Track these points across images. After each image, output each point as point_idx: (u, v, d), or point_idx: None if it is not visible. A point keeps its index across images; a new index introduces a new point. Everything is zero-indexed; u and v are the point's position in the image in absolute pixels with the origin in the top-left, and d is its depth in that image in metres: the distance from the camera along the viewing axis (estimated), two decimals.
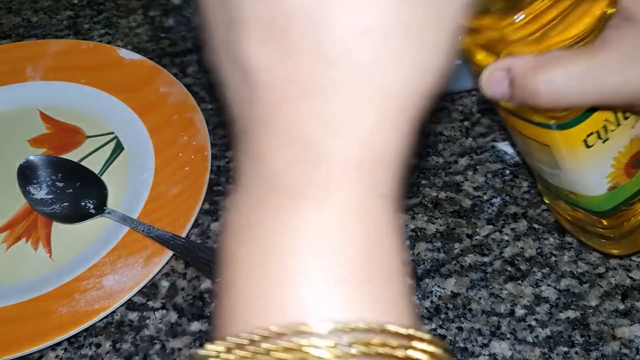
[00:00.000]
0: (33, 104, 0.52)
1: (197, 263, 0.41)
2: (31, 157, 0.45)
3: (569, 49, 0.27)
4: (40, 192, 0.44)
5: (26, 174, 0.45)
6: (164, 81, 0.52)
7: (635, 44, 0.26)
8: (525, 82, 0.27)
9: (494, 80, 0.28)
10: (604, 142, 0.31)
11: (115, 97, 0.51)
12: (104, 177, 0.47)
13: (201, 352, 0.18)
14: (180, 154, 0.47)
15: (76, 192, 0.45)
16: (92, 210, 0.44)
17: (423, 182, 0.47)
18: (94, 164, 0.48)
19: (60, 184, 0.45)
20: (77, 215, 0.44)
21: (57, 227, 0.44)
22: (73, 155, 0.48)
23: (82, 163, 0.48)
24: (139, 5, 0.63)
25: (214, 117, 0.52)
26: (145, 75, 0.52)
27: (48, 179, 0.45)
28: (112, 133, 0.50)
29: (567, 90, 0.26)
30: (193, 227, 0.44)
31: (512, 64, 0.27)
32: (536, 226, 0.44)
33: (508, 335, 0.39)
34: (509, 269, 0.42)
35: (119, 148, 0.49)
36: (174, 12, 0.62)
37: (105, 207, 0.44)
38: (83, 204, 0.44)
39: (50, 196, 0.44)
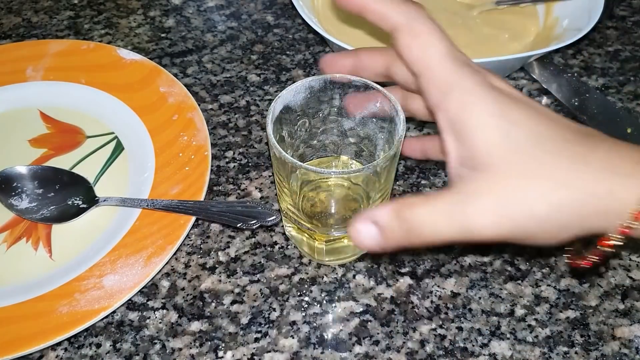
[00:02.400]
0: (33, 104, 0.52)
1: (210, 217, 0.43)
2: (3, 170, 0.45)
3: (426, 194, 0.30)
4: (23, 202, 0.44)
5: (3, 188, 0.45)
6: (164, 81, 0.52)
7: (471, 187, 0.28)
8: (393, 229, 0.29)
9: (363, 233, 0.30)
10: None
11: (116, 97, 0.51)
12: (104, 177, 0.47)
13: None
14: (180, 154, 0.47)
15: (58, 194, 0.45)
16: (84, 205, 0.44)
17: (423, 182, 0.47)
18: (94, 164, 0.48)
19: (39, 191, 0.45)
20: (69, 214, 0.44)
21: (57, 227, 0.44)
22: (73, 155, 0.48)
23: (83, 163, 0.48)
24: (139, 6, 0.63)
25: (214, 117, 0.52)
26: (145, 76, 0.52)
27: (25, 188, 0.45)
28: (113, 133, 0.50)
29: (434, 231, 0.28)
30: (193, 226, 0.44)
31: (376, 214, 0.30)
32: None
33: (508, 335, 0.39)
34: (509, 268, 0.42)
35: (119, 148, 0.49)
36: (174, 12, 0.62)
37: (97, 197, 0.45)
38: (70, 202, 0.44)
39: (34, 204, 0.44)
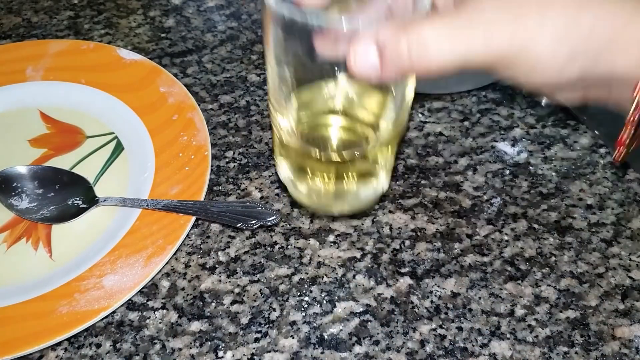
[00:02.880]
0: (33, 104, 0.52)
1: (210, 217, 0.42)
2: (3, 171, 0.45)
3: (429, 14, 0.27)
4: (23, 203, 0.44)
5: (2, 188, 0.45)
6: (164, 81, 0.52)
7: (494, 4, 0.26)
8: (397, 48, 0.26)
9: (361, 56, 0.27)
10: None
11: (116, 97, 0.51)
12: (104, 177, 0.47)
13: None
14: (180, 154, 0.47)
15: (58, 194, 0.45)
16: (84, 205, 0.44)
17: (423, 182, 0.47)
18: (94, 164, 0.48)
19: (39, 191, 0.45)
20: (68, 214, 0.44)
21: (57, 227, 0.44)
22: (73, 156, 0.48)
23: (83, 163, 0.48)
24: (139, 6, 0.63)
25: (214, 117, 0.52)
26: (145, 76, 0.52)
27: (25, 188, 0.45)
28: (113, 133, 0.50)
29: (439, 51, 0.26)
30: (193, 226, 0.44)
31: (379, 32, 0.27)
32: (536, 226, 0.44)
33: (508, 335, 0.39)
34: (509, 269, 0.42)
35: (119, 148, 0.49)
36: (174, 12, 0.62)
37: (97, 198, 0.45)
38: (70, 202, 0.44)
39: (34, 204, 0.44)
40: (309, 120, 0.36)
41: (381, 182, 0.38)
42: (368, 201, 0.39)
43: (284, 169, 0.38)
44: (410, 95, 0.33)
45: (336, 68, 0.32)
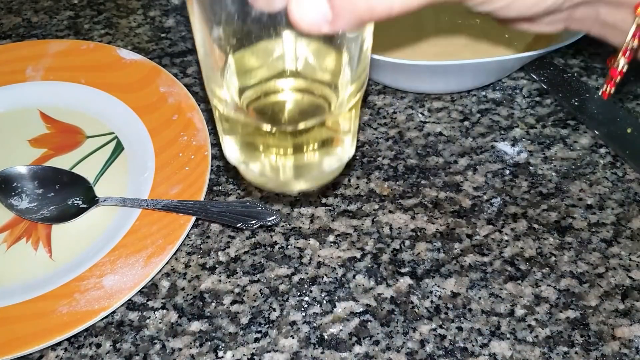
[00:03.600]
0: (33, 104, 0.52)
1: (210, 217, 0.42)
2: (3, 171, 0.45)
3: None
4: (23, 203, 0.44)
5: (2, 188, 0.45)
6: (164, 81, 0.52)
7: None
8: None
9: (306, 2, 0.22)
10: None
11: (116, 97, 0.51)
12: (103, 177, 0.47)
13: None
14: (180, 154, 0.47)
15: (58, 194, 0.45)
16: (84, 205, 0.44)
17: (423, 182, 0.47)
18: (94, 164, 0.48)
19: (39, 191, 0.45)
20: (68, 214, 0.44)
21: (57, 227, 0.44)
22: (73, 155, 0.48)
23: (83, 163, 0.48)
24: (139, 6, 0.63)
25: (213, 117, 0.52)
26: (145, 76, 0.52)
27: (25, 188, 0.45)
28: (112, 133, 0.50)
29: None
30: (193, 226, 0.44)
31: None
32: (536, 226, 0.44)
33: (508, 335, 0.39)
34: (509, 269, 0.42)
35: (119, 148, 0.49)
36: (174, 12, 0.62)
37: (97, 198, 0.45)
38: (70, 202, 0.44)
39: (34, 204, 0.44)
40: (254, 88, 0.30)
41: (346, 149, 0.33)
42: (332, 173, 0.33)
43: (231, 148, 0.32)
44: (368, 43, 0.28)
45: (278, 21, 0.26)
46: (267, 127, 0.28)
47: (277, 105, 0.30)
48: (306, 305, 0.40)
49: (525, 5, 0.24)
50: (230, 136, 0.30)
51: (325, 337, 0.39)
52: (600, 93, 0.28)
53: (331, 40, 0.26)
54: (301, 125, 0.28)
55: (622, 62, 0.26)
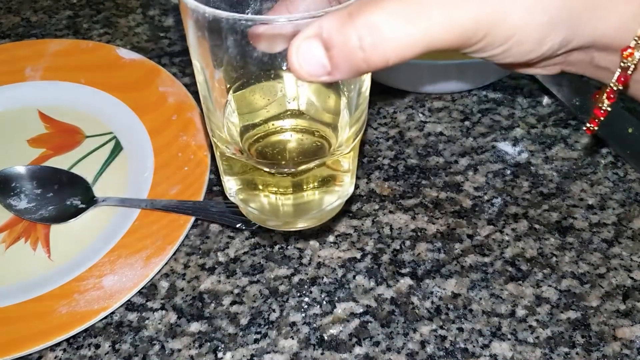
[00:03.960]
0: (32, 104, 0.52)
1: (209, 217, 0.42)
2: (2, 171, 0.45)
3: None
4: (22, 203, 0.44)
5: (1, 188, 0.45)
6: (163, 81, 0.52)
7: None
8: (346, 40, 0.23)
9: (304, 54, 0.23)
10: None
11: (115, 97, 0.51)
12: (102, 177, 0.47)
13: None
14: (180, 154, 0.47)
15: (57, 194, 0.45)
16: (83, 205, 0.44)
17: (423, 182, 0.47)
18: (93, 164, 0.48)
19: (38, 191, 0.45)
20: (67, 214, 0.44)
21: (56, 228, 0.44)
22: (72, 155, 0.48)
23: (81, 163, 0.48)
24: (138, 5, 0.62)
25: None
26: (144, 75, 0.52)
27: (24, 188, 0.45)
28: (112, 133, 0.50)
29: (394, 38, 0.23)
30: (193, 227, 0.44)
31: (321, 24, 0.23)
32: (537, 226, 0.44)
33: (509, 336, 0.39)
34: (510, 269, 0.42)
35: (118, 148, 0.49)
36: (174, 11, 0.62)
37: (95, 198, 0.44)
38: (69, 202, 0.44)
39: (32, 204, 0.44)
40: (255, 128, 0.30)
41: (346, 187, 0.33)
42: (333, 210, 0.34)
43: (231, 186, 0.33)
44: (366, 87, 0.29)
45: (279, 63, 0.27)
46: (267, 168, 0.28)
47: (277, 145, 0.30)
48: (306, 306, 0.40)
49: (520, 53, 0.25)
50: (230, 174, 0.31)
51: (325, 338, 0.39)
52: (584, 129, 0.29)
53: (330, 84, 0.27)
54: (302, 167, 0.28)
55: (605, 104, 0.27)
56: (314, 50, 0.23)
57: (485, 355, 0.38)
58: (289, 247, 0.43)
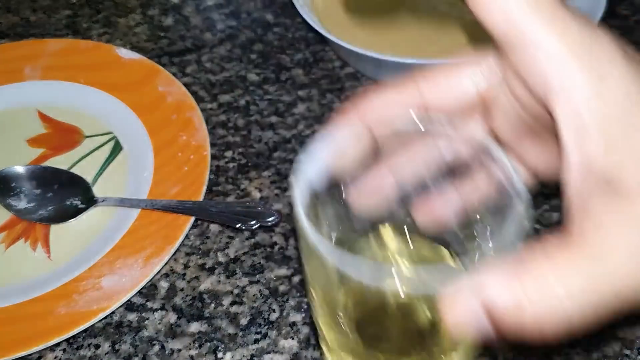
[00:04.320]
0: (31, 104, 0.52)
1: (209, 217, 0.42)
2: (1, 171, 0.45)
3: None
4: (21, 203, 0.44)
5: (0, 188, 0.44)
6: (163, 80, 0.52)
7: (630, 226, 0.18)
8: (516, 300, 0.19)
9: (462, 314, 0.19)
10: None
11: (114, 97, 0.51)
12: (102, 177, 0.47)
13: None
14: (180, 154, 0.47)
15: (57, 194, 0.45)
16: (82, 205, 0.44)
17: None
18: (92, 164, 0.48)
19: (37, 191, 0.45)
20: (67, 214, 0.44)
21: (56, 228, 0.44)
22: (71, 155, 0.48)
23: (81, 163, 0.48)
24: (138, 5, 0.62)
25: (213, 116, 0.52)
26: (144, 75, 0.52)
27: (24, 188, 0.45)
28: (111, 133, 0.50)
29: (571, 302, 0.19)
30: (192, 227, 0.44)
31: (482, 281, 0.19)
32: (537, 226, 0.44)
33: None
34: None
35: (117, 148, 0.49)
36: (173, 11, 0.62)
37: (95, 198, 0.44)
38: (69, 202, 0.44)
39: (32, 204, 0.44)
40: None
41: None
42: None
43: None
44: None
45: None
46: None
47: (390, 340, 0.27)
48: (306, 306, 0.40)
49: None
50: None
51: None
52: None
53: None
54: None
55: None
56: (474, 310, 0.19)
57: (484, 356, 0.38)
58: (289, 247, 0.43)
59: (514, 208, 0.22)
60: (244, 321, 0.39)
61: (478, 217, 0.25)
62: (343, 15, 0.56)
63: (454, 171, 0.25)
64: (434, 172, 0.25)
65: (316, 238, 0.20)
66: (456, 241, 0.26)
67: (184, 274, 0.42)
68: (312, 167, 0.23)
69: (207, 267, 0.42)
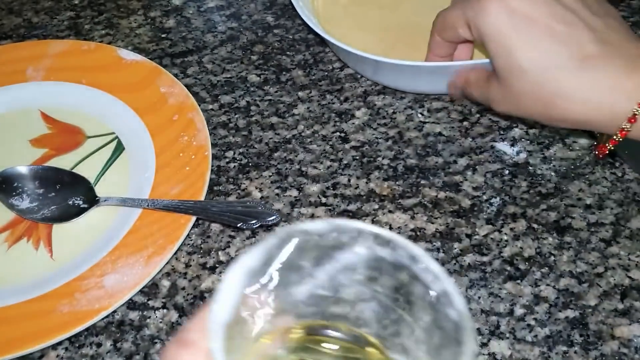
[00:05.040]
0: (34, 104, 0.52)
1: (210, 217, 0.42)
2: (4, 171, 0.45)
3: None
4: (24, 202, 0.44)
5: (3, 188, 0.45)
6: (164, 81, 0.52)
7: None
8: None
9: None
10: None
11: (116, 98, 0.51)
12: (104, 177, 0.47)
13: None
14: (181, 154, 0.47)
15: (59, 194, 0.45)
16: (85, 205, 0.44)
17: (422, 182, 0.47)
18: (94, 164, 0.48)
19: (40, 191, 0.45)
20: (69, 214, 0.44)
21: (58, 227, 0.44)
22: (74, 156, 0.49)
23: (83, 163, 0.48)
24: (140, 6, 0.63)
25: (214, 117, 0.52)
26: (145, 76, 0.52)
27: (26, 188, 0.45)
28: (113, 133, 0.50)
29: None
30: (194, 226, 0.44)
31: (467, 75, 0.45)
32: (535, 226, 0.44)
33: (507, 335, 0.39)
34: (508, 268, 0.42)
35: (119, 148, 0.49)
36: (174, 12, 0.62)
37: (97, 197, 0.45)
38: (71, 202, 0.45)
39: (34, 204, 0.44)
40: None
41: None
42: None
43: None
44: None
45: None
46: None
47: None
48: None
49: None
50: None
51: None
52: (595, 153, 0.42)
53: None
54: None
55: (609, 145, 0.41)
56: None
57: (484, 354, 0.38)
58: None
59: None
60: None
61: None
62: (343, 17, 0.56)
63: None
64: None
65: None
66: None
67: (186, 273, 0.42)
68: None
69: (208, 266, 0.42)
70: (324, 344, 0.25)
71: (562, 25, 0.37)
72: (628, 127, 0.37)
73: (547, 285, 0.41)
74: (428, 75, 0.49)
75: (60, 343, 0.39)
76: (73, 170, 0.47)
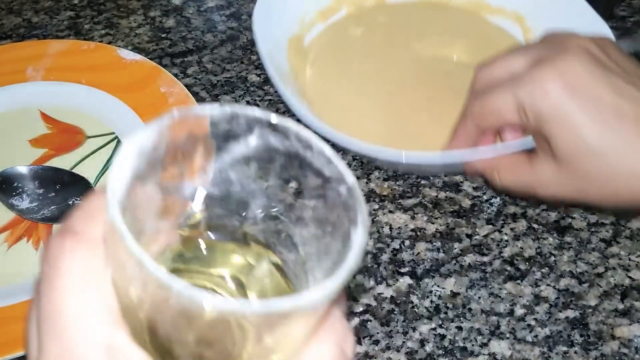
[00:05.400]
0: (34, 104, 0.52)
1: None
2: (4, 171, 0.45)
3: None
4: (24, 203, 0.44)
5: (3, 188, 0.45)
6: (164, 81, 0.52)
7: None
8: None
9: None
10: None
11: (116, 97, 0.51)
12: (104, 177, 0.47)
13: None
14: None
15: (59, 194, 0.45)
16: None
17: (423, 182, 0.47)
18: (94, 164, 0.48)
19: (40, 191, 0.45)
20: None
21: (58, 227, 0.44)
22: (74, 155, 0.49)
23: (83, 163, 0.48)
24: (140, 6, 0.63)
25: None
26: (145, 76, 0.52)
27: (26, 188, 0.45)
28: (113, 133, 0.50)
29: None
30: None
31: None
32: (535, 226, 0.44)
33: (507, 335, 0.39)
34: (509, 268, 0.42)
35: (119, 148, 0.49)
36: (174, 12, 0.62)
37: None
38: (71, 202, 0.45)
39: (34, 204, 0.44)
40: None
41: None
42: None
43: None
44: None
45: None
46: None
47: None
48: None
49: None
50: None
51: None
52: None
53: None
54: None
55: None
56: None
57: (484, 354, 0.38)
58: None
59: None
60: None
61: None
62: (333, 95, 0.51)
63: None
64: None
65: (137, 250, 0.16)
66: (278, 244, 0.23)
67: None
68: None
69: None
70: (203, 248, 0.23)
71: (630, 103, 0.35)
72: None
73: (548, 285, 0.41)
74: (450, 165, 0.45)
75: None
76: (73, 170, 0.47)
